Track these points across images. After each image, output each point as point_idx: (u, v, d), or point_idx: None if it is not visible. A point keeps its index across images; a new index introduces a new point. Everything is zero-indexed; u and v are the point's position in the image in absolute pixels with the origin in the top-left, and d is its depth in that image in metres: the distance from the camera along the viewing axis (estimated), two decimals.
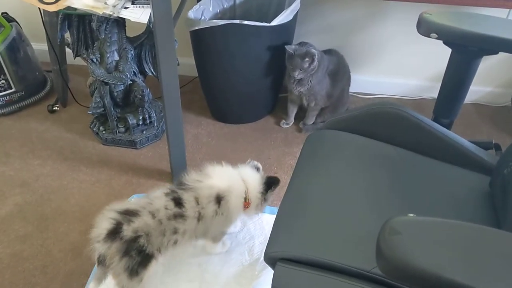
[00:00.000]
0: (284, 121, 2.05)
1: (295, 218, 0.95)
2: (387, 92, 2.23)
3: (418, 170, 1.08)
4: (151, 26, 1.58)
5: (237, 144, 1.95)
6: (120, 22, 1.66)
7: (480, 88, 2.18)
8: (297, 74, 1.81)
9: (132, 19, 1.42)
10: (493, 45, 1.01)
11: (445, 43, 1.04)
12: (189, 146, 1.91)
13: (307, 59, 1.78)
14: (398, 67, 2.17)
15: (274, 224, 0.97)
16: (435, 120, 1.18)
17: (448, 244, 0.60)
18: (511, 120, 2.11)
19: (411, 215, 0.65)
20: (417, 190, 1.03)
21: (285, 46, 1.78)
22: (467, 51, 1.04)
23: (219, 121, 2.06)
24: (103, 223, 1.17)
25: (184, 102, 2.13)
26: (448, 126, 1.18)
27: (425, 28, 1.03)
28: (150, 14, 1.36)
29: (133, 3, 1.45)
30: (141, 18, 1.41)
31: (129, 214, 1.18)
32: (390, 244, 0.58)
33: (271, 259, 0.88)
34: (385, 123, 1.13)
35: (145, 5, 1.45)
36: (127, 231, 1.14)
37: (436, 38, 1.02)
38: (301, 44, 1.81)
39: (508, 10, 1.92)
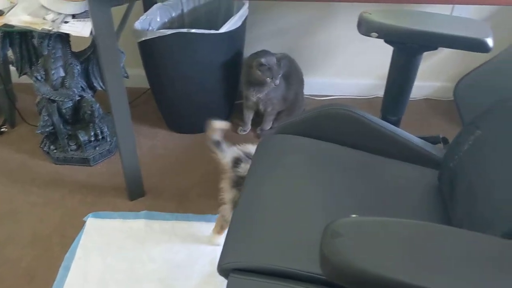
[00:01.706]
0: (241, 127, 2.04)
1: (247, 226, 0.93)
2: (342, 93, 2.25)
3: (369, 169, 1.08)
4: None
5: (194, 154, 1.92)
6: (64, 37, 1.61)
7: (431, 83, 2.23)
8: (278, 82, 1.83)
9: (73, 34, 1.38)
10: (432, 41, 1.03)
11: (386, 41, 1.06)
12: (144, 159, 1.87)
13: (281, 65, 1.82)
14: (351, 68, 2.19)
15: (227, 234, 0.95)
16: (383, 118, 1.19)
17: (390, 243, 0.60)
18: None
19: (354, 215, 0.65)
20: (369, 189, 1.03)
21: (261, 60, 1.78)
22: (407, 48, 1.06)
23: (175, 132, 2.03)
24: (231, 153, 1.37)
25: (138, 115, 2.10)
26: (396, 123, 1.20)
27: (365, 27, 1.03)
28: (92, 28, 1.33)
29: (73, 17, 1.41)
30: (83, 32, 1.37)
31: (248, 156, 1.33)
32: (331, 247, 0.57)
33: (224, 270, 0.86)
34: (334, 124, 1.13)
35: (86, 19, 1.41)
36: (243, 169, 1.30)
37: (377, 37, 1.03)
38: (263, 52, 1.83)
39: (451, 6, 1.97)
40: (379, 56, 2.07)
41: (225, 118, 2.08)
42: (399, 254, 0.58)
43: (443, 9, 1.92)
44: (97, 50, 1.33)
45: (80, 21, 1.42)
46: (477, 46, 0.99)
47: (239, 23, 1.75)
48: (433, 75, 2.20)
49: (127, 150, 1.59)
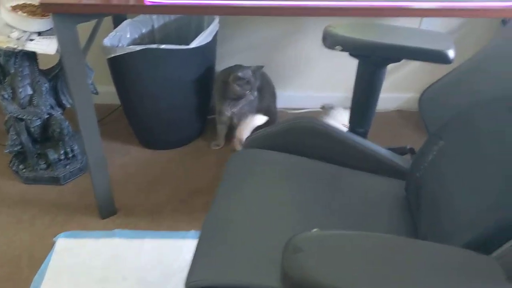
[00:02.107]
0: (214, 142, 2.03)
1: (214, 243, 0.92)
2: (314, 105, 2.26)
3: (338, 182, 1.09)
4: None
5: (167, 170, 1.91)
6: (31, 55, 1.58)
7: (403, 94, 2.26)
8: (256, 93, 1.85)
9: (39, 51, 1.36)
10: (395, 53, 1.04)
11: (351, 54, 1.07)
12: (116, 176, 1.84)
13: (257, 77, 1.84)
14: (322, 81, 2.21)
15: (194, 251, 0.94)
16: (352, 130, 1.20)
17: (352, 257, 0.60)
18: None
19: (315, 230, 0.65)
20: (338, 202, 1.03)
21: (238, 74, 1.79)
22: (371, 60, 1.07)
23: (148, 148, 2.01)
24: None
25: (109, 132, 2.08)
26: (364, 135, 1.20)
27: (330, 41, 1.04)
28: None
29: (39, 34, 1.40)
30: (48, 49, 1.36)
31: None
32: (292, 263, 0.57)
33: None
34: (302, 137, 1.14)
35: (51, 36, 1.39)
36: None
37: (341, 50, 1.04)
38: (237, 66, 1.84)
39: (420, 19, 2.00)
40: (349, 69, 2.08)
41: (198, 133, 2.08)
42: (360, 268, 0.58)
43: (412, 22, 1.96)
44: (64, 67, 1.32)
45: (46, 38, 1.40)
46: (439, 57, 1.01)
47: (210, 38, 1.75)
48: (404, 87, 2.23)
49: (97, 168, 1.57)
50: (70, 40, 1.26)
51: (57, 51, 1.40)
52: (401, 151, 1.19)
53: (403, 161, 1.12)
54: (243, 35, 2.05)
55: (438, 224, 0.83)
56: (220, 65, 2.02)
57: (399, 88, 2.23)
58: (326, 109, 1.93)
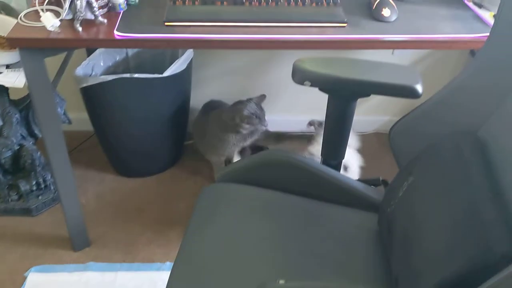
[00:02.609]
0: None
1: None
2: (291, 129, 2.26)
3: (311, 216, 1.08)
4: None
5: (142, 199, 1.88)
6: (1, 86, 1.55)
7: (380, 117, 2.27)
8: (267, 122, 1.80)
9: (7, 85, 1.34)
10: (363, 89, 1.05)
11: (320, 89, 1.07)
12: (91, 207, 1.81)
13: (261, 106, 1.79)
14: (299, 104, 2.21)
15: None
16: (324, 163, 1.19)
17: None
18: None
19: (282, 281, 0.63)
20: (311, 239, 1.02)
21: (244, 112, 1.72)
22: (341, 95, 1.07)
23: (123, 176, 1.98)
24: None
25: (84, 159, 2.04)
26: (337, 167, 1.20)
27: (298, 76, 1.04)
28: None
29: (7, 67, 1.37)
30: (16, 83, 1.33)
31: None
32: None
33: None
34: (275, 171, 1.13)
35: (21, 68, 1.37)
36: None
37: (310, 86, 1.04)
38: (239, 104, 1.78)
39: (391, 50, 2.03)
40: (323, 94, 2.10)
41: (175, 160, 2.06)
42: None
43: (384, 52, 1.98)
44: (32, 99, 1.29)
45: (14, 71, 1.38)
46: (407, 92, 1.02)
47: (184, 66, 1.75)
48: (382, 109, 2.25)
49: (69, 200, 1.54)
50: (38, 73, 1.24)
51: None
52: (374, 183, 1.19)
53: (376, 194, 1.12)
54: (218, 62, 2.05)
55: (409, 263, 0.82)
56: (196, 92, 2.01)
57: (376, 111, 2.24)
58: (315, 125, 1.88)
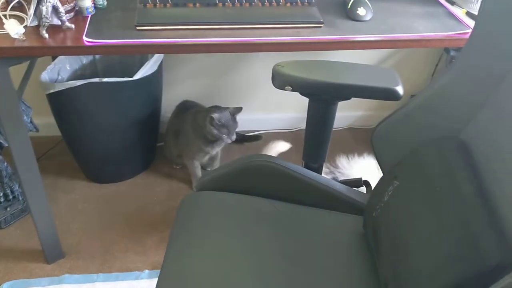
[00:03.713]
0: (195, 185, 1.91)
1: None
2: (267, 127, 2.24)
3: (296, 221, 1.06)
4: None
5: (116, 205, 1.82)
6: None
7: (353, 113, 2.28)
8: (234, 137, 1.74)
9: None
10: (344, 92, 1.03)
11: (301, 93, 1.05)
12: (62, 216, 1.74)
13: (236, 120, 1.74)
14: (274, 102, 2.19)
15: None
16: (306, 165, 1.18)
17: None
18: None
19: None
20: (298, 243, 1.01)
21: (214, 115, 1.67)
22: (321, 99, 1.06)
23: (95, 182, 1.92)
24: None
25: (53, 167, 1.96)
26: (318, 170, 1.19)
27: (279, 81, 1.02)
28: None
29: None
30: None
31: None
32: None
33: None
34: (257, 177, 1.11)
35: None
36: None
37: (291, 90, 1.02)
38: (215, 108, 1.74)
39: None
40: None
41: (148, 163, 2.01)
42: None
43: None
44: None
45: None
46: (388, 95, 1.01)
47: (155, 68, 1.70)
48: (355, 105, 2.25)
49: (39, 210, 1.48)
50: (2, 83, 1.18)
51: None
52: (355, 184, 1.18)
53: (359, 196, 1.12)
54: (190, 61, 2.00)
55: (398, 272, 0.82)
56: (168, 93, 1.96)
57: (350, 106, 2.24)
58: None
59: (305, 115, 2.22)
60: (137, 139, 1.86)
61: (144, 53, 1.62)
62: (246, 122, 2.21)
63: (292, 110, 2.23)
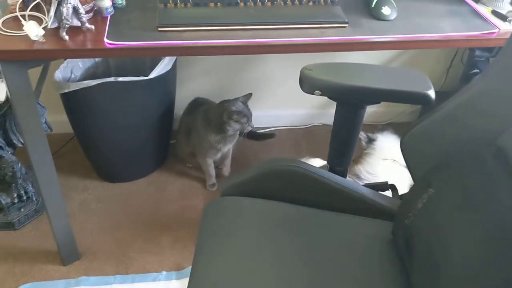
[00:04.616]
0: (210, 184, 1.90)
1: None
2: (279, 124, 2.22)
3: (322, 227, 1.04)
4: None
5: (130, 205, 1.81)
6: None
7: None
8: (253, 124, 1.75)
9: None
10: (374, 96, 1.01)
11: (329, 98, 1.03)
12: (76, 216, 1.73)
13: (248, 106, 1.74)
14: (285, 99, 2.17)
15: None
16: (331, 169, 1.16)
17: None
18: None
19: None
20: (324, 249, 0.99)
21: (232, 108, 1.66)
22: (350, 103, 1.03)
23: (107, 181, 1.90)
24: None
25: (64, 166, 1.94)
26: (343, 174, 1.17)
27: (308, 85, 1.00)
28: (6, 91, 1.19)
29: None
30: None
31: None
32: None
33: None
34: (281, 181, 1.09)
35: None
36: None
37: (320, 95, 1.00)
38: (225, 102, 1.72)
39: None
40: None
41: (161, 162, 1.99)
42: None
43: None
44: (14, 111, 1.20)
45: None
46: (420, 99, 0.99)
47: (170, 66, 1.67)
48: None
49: (55, 211, 1.46)
50: (21, 86, 1.15)
51: (6, 98, 1.28)
52: (381, 188, 1.17)
53: (386, 201, 1.10)
54: (204, 59, 1.97)
55: (436, 281, 0.80)
56: (181, 91, 1.94)
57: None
58: (364, 140, 1.72)
59: (316, 111, 2.21)
60: (151, 138, 1.83)
61: (167, 55, 1.59)
62: (257, 119, 2.19)
63: (303, 106, 2.20)
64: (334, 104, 1.06)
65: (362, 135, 1.70)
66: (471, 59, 1.82)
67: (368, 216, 1.08)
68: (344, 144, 1.12)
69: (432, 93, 0.98)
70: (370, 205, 1.08)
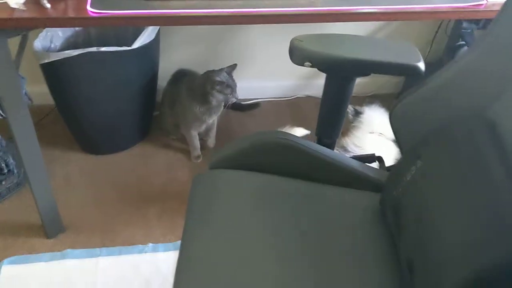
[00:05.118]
0: (195, 155, 1.88)
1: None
2: (264, 96, 2.21)
3: (310, 199, 1.05)
4: None
5: (114, 177, 1.79)
6: None
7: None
8: (238, 95, 1.73)
9: None
10: (365, 68, 1.01)
11: (319, 69, 1.02)
12: (60, 189, 1.70)
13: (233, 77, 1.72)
14: (269, 70, 2.15)
15: None
16: (319, 141, 1.16)
17: None
18: None
19: None
20: (313, 221, 1.00)
21: (216, 79, 1.65)
22: (340, 75, 1.03)
23: (91, 154, 1.87)
24: None
25: (46, 137, 1.90)
26: (331, 146, 1.17)
27: (298, 57, 0.99)
28: None
29: None
30: None
31: None
32: None
33: None
34: (270, 154, 1.09)
35: None
36: None
37: (310, 66, 0.99)
38: (211, 72, 1.70)
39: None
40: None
41: (145, 133, 1.97)
42: None
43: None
44: None
45: None
46: (409, 71, 0.99)
47: (153, 36, 1.63)
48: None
49: (38, 183, 1.43)
50: (1, 56, 1.11)
51: None
52: (368, 160, 1.17)
53: (374, 172, 1.11)
54: (186, 28, 1.94)
55: (426, 251, 0.82)
56: (165, 60, 1.90)
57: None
58: (351, 113, 1.70)
59: (300, 82, 2.20)
60: (135, 109, 1.81)
61: (154, 25, 1.55)
62: (242, 91, 2.17)
63: (288, 78, 2.19)
64: (319, 75, 1.05)
65: (350, 108, 1.69)
66: (456, 31, 1.83)
67: (356, 187, 1.09)
68: (333, 116, 1.12)
69: (422, 65, 0.98)
70: (358, 177, 1.09)
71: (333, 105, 1.10)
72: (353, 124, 1.68)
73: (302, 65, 0.98)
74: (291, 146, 1.07)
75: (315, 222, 1.00)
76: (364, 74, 1.02)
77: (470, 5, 1.22)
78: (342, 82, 1.04)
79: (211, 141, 1.95)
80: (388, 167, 1.16)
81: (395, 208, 0.96)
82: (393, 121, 1.00)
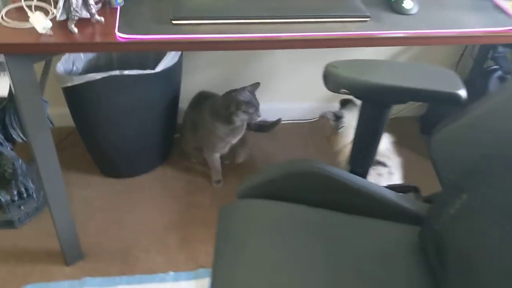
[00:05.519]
0: (215, 180, 1.84)
1: None
2: (285, 117, 2.17)
3: (343, 231, 1.00)
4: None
5: (134, 201, 1.75)
6: None
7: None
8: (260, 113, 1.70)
9: None
10: (402, 96, 0.96)
11: (356, 96, 0.98)
12: (79, 214, 1.66)
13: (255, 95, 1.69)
14: (291, 92, 2.12)
15: None
16: (352, 171, 1.12)
17: None
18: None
19: None
20: (346, 255, 0.95)
21: (240, 98, 1.61)
22: (376, 102, 0.99)
23: (110, 177, 1.84)
24: None
25: (65, 160, 1.86)
26: (363, 175, 1.13)
27: (333, 84, 0.95)
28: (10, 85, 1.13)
29: None
30: None
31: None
32: None
33: None
34: (301, 183, 1.05)
35: (2, 73, 1.21)
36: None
37: (346, 93, 0.95)
38: (232, 92, 1.67)
39: None
40: (316, 80, 2.01)
41: (165, 157, 1.93)
42: None
43: None
44: (17, 106, 1.14)
45: None
46: (450, 99, 0.94)
47: (176, 58, 1.61)
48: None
49: (59, 208, 1.40)
50: (26, 80, 1.09)
51: (9, 92, 1.22)
52: (403, 189, 1.13)
53: (411, 204, 1.06)
54: (208, 51, 1.91)
55: None
56: (186, 83, 1.88)
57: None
58: (330, 118, 1.67)
59: (324, 104, 2.16)
60: (156, 132, 1.78)
61: (183, 50, 1.53)
62: (263, 113, 2.14)
63: (310, 99, 2.16)
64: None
65: (328, 113, 1.66)
66: (483, 53, 1.78)
67: (392, 219, 1.04)
68: (367, 145, 1.08)
69: (462, 93, 0.93)
70: (393, 208, 1.04)
71: (368, 133, 1.06)
72: (338, 131, 1.65)
73: (338, 92, 0.94)
74: (322, 175, 1.03)
75: (348, 256, 0.95)
76: (402, 101, 0.98)
77: (507, 29, 1.18)
78: (377, 109, 1.00)
79: (241, 156, 1.91)
80: (425, 197, 1.11)
81: (436, 243, 0.91)
82: (433, 152, 0.95)
